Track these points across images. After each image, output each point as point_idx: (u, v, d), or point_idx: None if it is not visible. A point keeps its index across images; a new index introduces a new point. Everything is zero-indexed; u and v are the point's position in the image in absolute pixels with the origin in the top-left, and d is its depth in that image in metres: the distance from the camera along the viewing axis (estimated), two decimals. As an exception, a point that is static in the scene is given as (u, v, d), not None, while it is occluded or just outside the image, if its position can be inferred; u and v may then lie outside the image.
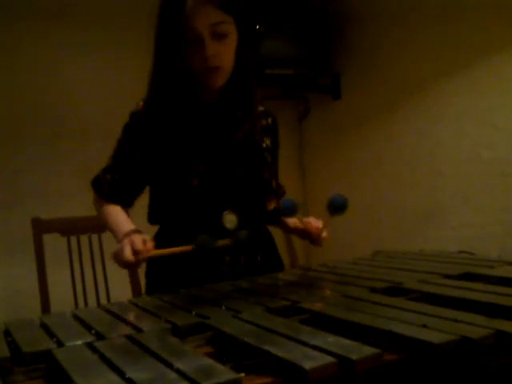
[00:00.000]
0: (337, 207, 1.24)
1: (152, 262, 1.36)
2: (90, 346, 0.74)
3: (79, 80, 2.84)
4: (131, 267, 1.15)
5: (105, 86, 2.89)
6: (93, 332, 0.81)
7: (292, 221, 1.41)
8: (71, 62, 2.82)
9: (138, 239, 1.13)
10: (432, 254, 1.40)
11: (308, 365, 0.60)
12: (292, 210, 1.25)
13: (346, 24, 3.07)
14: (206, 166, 1.26)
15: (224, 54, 1.20)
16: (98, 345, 0.74)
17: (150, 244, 1.14)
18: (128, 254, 1.11)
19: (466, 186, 2.44)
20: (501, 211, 2.30)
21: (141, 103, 1.31)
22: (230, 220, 1.25)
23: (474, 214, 2.41)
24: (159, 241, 1.24)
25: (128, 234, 1.17)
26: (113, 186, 1.32)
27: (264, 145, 1.36)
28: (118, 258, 1.13)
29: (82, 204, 2.65)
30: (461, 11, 2.41)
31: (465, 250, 1.46)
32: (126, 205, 1.35)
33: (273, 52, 2.84)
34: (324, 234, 1.34)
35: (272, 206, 1.37)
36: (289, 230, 1.47)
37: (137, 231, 1.20)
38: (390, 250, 1.51)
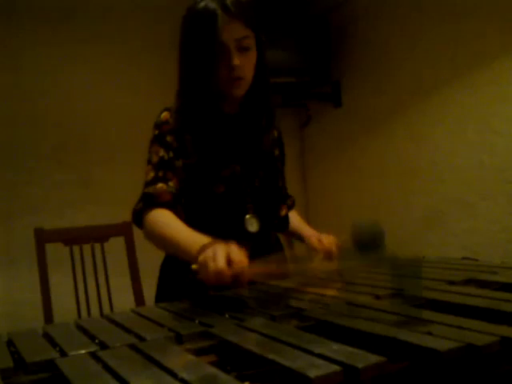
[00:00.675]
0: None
1: (166, 264, 1.37)
2: (93, 355, 0.74)
3: (82, 91, 2.85)
4: (218, 280, 0.96)
5: (107, 97, 2.90)
6: (96, 341, 0.81)
7: (308, 233, 1.45)
8: (74, 73, 2.84)
9: (235, 247, 0.99)
10: (435, 261, 1.40)
11: (313, 373, 0.59)
12: None
13: (346, 32, 3.09)
14: (230, 172, 1.30)
15: (247, 66, 1.28)
16: (102, 354, 0.74)
17: (246, 257, 0.99)
18: (222, 261, 0.95)
19: (468, 192, 2.44)
20: (503, 217, 2.30)
21: (165, 113, 1.33)
22: (252, 223, 1.30)
23: (477, 221, 2.41)
24: None
25: (216, 242, 1.02)
26: (174, 193, 1.24)
27: (276, 154, 1.43)
28: (207, 265, 0.96)
29: (84, 214, 2.68)
30: (460, 18, 2.42)
31: (468, 256, 1.45)
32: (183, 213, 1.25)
33: (274, 60, 2.83)
34: (334, 250, 1.38)
35: (283, 212, 1.44)
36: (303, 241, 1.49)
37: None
38: (394, 257, 1.50)
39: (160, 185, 1.24)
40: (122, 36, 2.94)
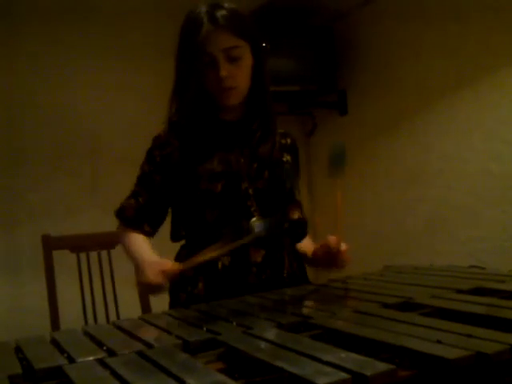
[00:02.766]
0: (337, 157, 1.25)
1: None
2: (101, 362, 0.74)
3: (86, 95, 2.85)
4: (157, 289, 1.16)
5: (113, 103, 2.91)
6: (104, 348, 0.81)
7: (308, 248, 1.43)
8: (79, 79, 2.84)
9: (159, 260, 1.17)
10: (442, 269, 1.39)
11: (321, 381, 0.59)
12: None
13: (351, 42, 3.09)
14: (222, 169, 1.29)
15: (238, 76, 1.28)
16: (110, 361, 0.74)
17: (173, 263, 1.17)
18: (152, 274, 1.13)
19: (476, 200, 2.43)
20: (510, 225, 2.28)
21: (163, 127, 1.37)
22: (259, 226, 1.29)
23: (484, 229, 2.39)
24: (184, 255, 1.34)
25: (149, 261, 1.21)
26: (138, 209, 1.36)
27: (285, 159, 1.42)
28: (143, 282, 1.15)
29: (91, 221, 2.69)
30: (466, 26, 2.42)
31: (474, 264, 1.45)
32: (152, 228, 1.37)
33: (279, 69, 2.86)
34: (343, 247, 1.30)
35: (296, 215, 1.40)
36: (312, 261, 1.44)
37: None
38: (400, 265, 1.50)
39: (131, 201, 1.37)
40: (133, 48, 2.94)
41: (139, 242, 1.33)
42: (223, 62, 1.25)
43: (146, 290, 1.18)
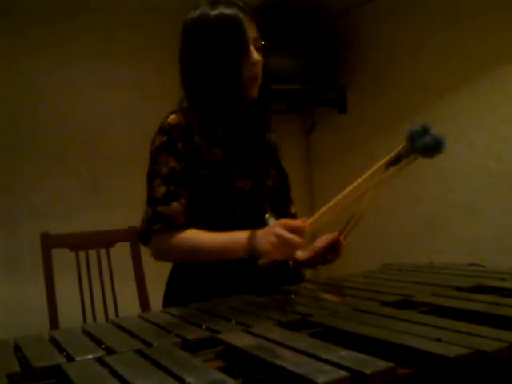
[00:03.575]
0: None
1: (175, 273, 1.35)
2: (100, 360, 0.74)
3: (86, 93, 2.86)
4: (298, 247, 1.12)
5: (113, 103, 2.91)
6: (103, 347, 0.81)
7: (305, 255, 1.43)
8: (80, 79, 2.84)
9: (285, 221, 1.13)
10: (442, 267, 1.39)
11: (320, 379, 0.59)
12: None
13: (351, 40, 3.09)
14: (251, 169, 1.28)
15: (260, 65, 1.29)
16: (108, 359, 0.73)
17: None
18: (290, 235, 1.08)
19: (476, 198, 2.43)
20: (510, 223, 2.28)
21: (173, 116, 1.26)
22: (272, 222, 1.27)
23: (484, 227, 2.39)
24: None
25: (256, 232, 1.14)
26: (186, 212, 1.22)
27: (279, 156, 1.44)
28: (279, 245, 1.09)
29: (91, 220, 2.69)
30: (466, 24, 2.42)
31: (474, 262, 1.45)
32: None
33: (280, 67, 2.86)
34: (342, 238, 1.34)
35: (293, 210, 1.44)
36: (310, 258, 1.43)
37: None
38: (400, 263, 1.50)
39: (175, 204, 1.19)
40: (133, 47, 2.94)
41: (212, 233, 1.20)
42: (254, 50, 1.26)
43: (284, 253, 1.12)
